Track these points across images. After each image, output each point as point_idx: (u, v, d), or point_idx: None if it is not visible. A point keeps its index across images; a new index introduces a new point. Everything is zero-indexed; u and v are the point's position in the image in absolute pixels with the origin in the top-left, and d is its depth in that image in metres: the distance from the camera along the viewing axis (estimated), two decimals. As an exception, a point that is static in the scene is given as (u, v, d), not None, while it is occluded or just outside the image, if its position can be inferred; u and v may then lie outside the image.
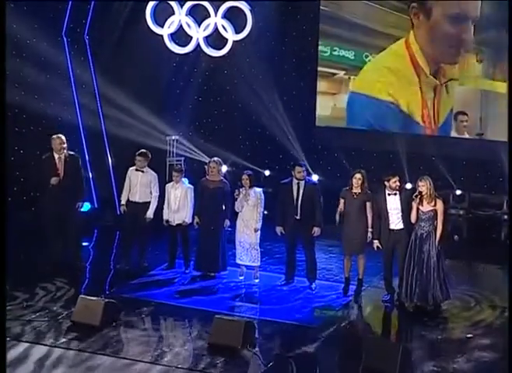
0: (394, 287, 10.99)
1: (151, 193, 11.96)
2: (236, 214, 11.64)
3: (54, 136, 11.96)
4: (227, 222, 11.69)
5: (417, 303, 10.56)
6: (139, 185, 11.92)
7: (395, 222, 10.83)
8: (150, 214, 11.95)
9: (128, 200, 12.00)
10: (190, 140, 16.11)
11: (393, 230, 10.85)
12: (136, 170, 11.96)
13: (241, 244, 11.63)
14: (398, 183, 10.82)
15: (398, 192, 10.83)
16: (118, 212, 12.23)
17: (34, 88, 14.13)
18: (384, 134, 15.29)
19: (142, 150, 12.03)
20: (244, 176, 11.56)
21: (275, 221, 11.61)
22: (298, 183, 11.38)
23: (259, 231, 11.57)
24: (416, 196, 10.51)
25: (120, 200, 12.21)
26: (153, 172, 12.06)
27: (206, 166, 11.85)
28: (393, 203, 10.83)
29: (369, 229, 11.01)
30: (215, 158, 11.93)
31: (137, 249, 12.15)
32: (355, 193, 11.06)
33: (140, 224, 11.98)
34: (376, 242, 10.95)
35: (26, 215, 13.53)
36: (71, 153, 12.14)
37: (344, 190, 11.12)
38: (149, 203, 11.94)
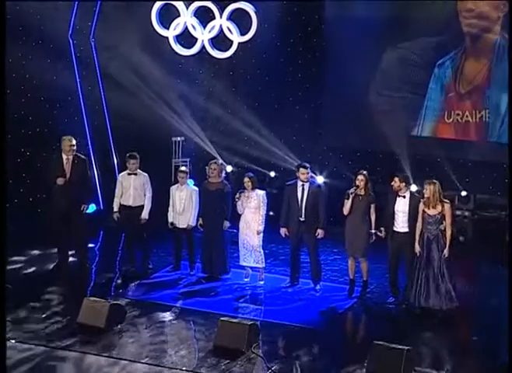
0: (399, 290, 11.02)
1: (144, 195, 11.97)
2: (240, 215, 11.66)
3: (64, 137, 11.98)
4: (226, 224, 11.70)
5: (424, 306, 10.55)
6: (132, 188, 11.89)
7: (400, 225, 10.84)
8: (145, 214, 11.93)
9: (122, 206, 11.98)
10: (195, 141, 16.13)
11: (397, 232, 10.87)
12: (128, 174, 11.93)
13: (244, 246, 11.65)
14: (396, 184, 10.83)
15: (407, 195, 10.84)
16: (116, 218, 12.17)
17: (40, 90, 14.15)
18: (389, 135, 15.26)
19: (132, 153, 11.94)
20: (246, 179, 11.57)
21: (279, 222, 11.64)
22: (303, 185, 11.39)
23: (262, 234, 11.59)
24: (423, 199, 10.54)
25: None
26: (145, 174, 12.02)
27: (207, 168, 11.86)
28: (401, 206, 10.84)
29: (373, 231, 11.03)
30: (216, 160, 11.96)
31: (140, 251, 12.19)
32: (360, 196, 11.07)
33: (138, 228, 11.99)
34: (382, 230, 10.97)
35: (33, 217, 13.54)
36: (80, 155, 12.16)
37: (348, 192, 11.12)
38: (143, 205, 11.93)
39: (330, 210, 11.49)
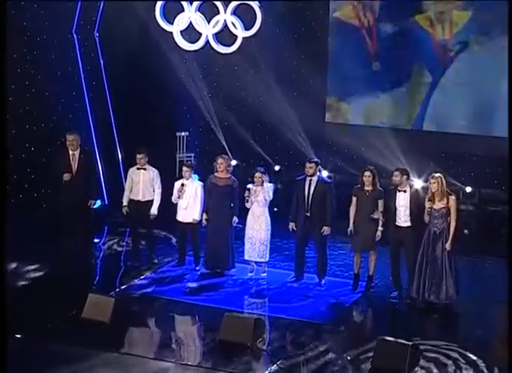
0: (402, 284, 11.02)
1: (153, 190, 11.97)
2: (247, 210, 11.65)
3: (70, 132, 12.00)
4: (235, 219, 11.70)
5: (428, 300, 10.55)
6: (142, 183, 11.90)
7: (402, 219, 10.83)
8: (154, 210, 11.96)
9: (131, 200, 11.99)
10: (200, 136, 16.14)
11: (399, 227, 10.86)
12: (138, 169, 11.95)
13: (250, 240, 11.64)
14: (398, 178, 10.82)
15: (407, 189, 10.83)
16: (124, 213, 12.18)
17: (45, 85, 14.15)
18: (392, 130, 15.26)
19: (140, 147, 11.99)
20: (258, 174, 11.53)
21: (284, 217, 11.64)
22: (310, 180, 11.37)
23: (270, 227, 11.57)
24: (428, 194, 10.52)
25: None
26: (154, 169, 12.04)
27: (214, 163, 11.86)
28: (401, 200, 10.83)
29: (380, 228, 11.00)
30: (223, 155, 11.94)
31: (146, 246, 12.19)
32: (368, 191, 11.05)
33: (146, 222, 12.00)
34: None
35: (37, 213, 13.55)
36: (86, 150, 12.16)
37: (356, 188, 11.10)
38: (152, 200, 11.95)
39: (335, 204, 11.47)
